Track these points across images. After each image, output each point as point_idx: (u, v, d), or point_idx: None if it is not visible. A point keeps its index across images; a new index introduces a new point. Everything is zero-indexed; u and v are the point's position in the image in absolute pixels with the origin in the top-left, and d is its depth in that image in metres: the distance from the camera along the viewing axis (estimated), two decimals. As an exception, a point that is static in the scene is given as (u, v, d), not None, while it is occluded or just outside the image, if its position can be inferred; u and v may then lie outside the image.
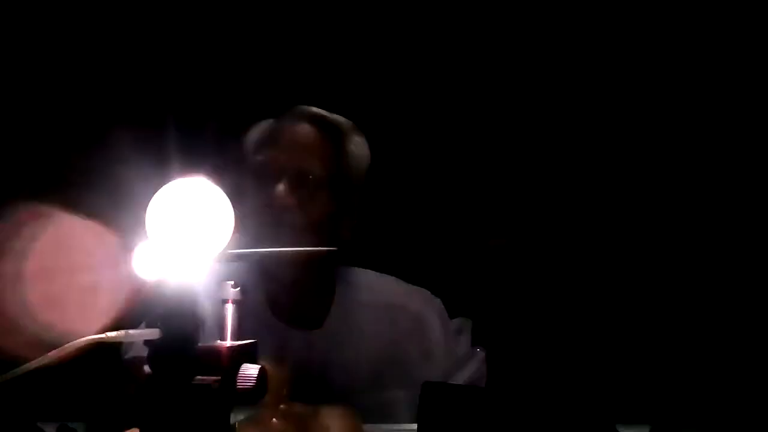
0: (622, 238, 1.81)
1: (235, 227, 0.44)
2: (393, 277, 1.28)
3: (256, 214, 1.09)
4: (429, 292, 1.28)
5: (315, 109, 1.17)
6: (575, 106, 1.81)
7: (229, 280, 0.47)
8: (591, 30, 1.77)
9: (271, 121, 1.18)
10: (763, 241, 1.72)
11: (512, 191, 1.82)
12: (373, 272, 1.27)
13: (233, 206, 0.44)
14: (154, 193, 0.41)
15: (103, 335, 0.43)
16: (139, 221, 0.40)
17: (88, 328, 0.45)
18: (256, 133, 1.17)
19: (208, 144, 1.27)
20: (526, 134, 1.82)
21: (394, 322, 1.22)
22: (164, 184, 0.41)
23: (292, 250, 1.09)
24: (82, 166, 1.45)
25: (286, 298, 1.16)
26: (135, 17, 1.58)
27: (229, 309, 0.46)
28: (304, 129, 1.14)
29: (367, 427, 0.85)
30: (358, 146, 1.18)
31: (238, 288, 0.46)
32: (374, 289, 1.24)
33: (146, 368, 0.41)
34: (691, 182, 1.79)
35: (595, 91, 1.80)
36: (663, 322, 1.74)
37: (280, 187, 1.08)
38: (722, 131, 1.77)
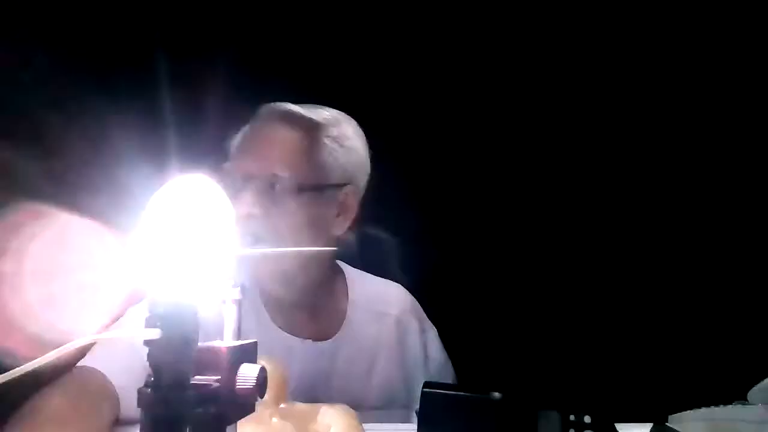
0: (617, 237, 1.81)
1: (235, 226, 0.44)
2: (402, 288, 1.24)
3: None
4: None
5: (288, 106, 1.09)
6: (573, 108, 1.81)
7: (229, 280, 0.47)
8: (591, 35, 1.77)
9: (248, 125, 1.11)
10: (760, 241, 1.72)
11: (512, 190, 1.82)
12: (384, 280, 1.24)
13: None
14: (153, 192, 0.41)
15: (103, 335, 0.43)
16: (138, 220, 0.40)
17: (88, 328, 0.45)
18: (236, 138, 1.11)
19: (209, 142, 1.27)
20: (529, 135, 1.82)
21: (403, 339, 1.18)
22: (164, 182, 0.41)
23: (291, 250, 1.06)
24: (82, 165, 1.45)
25: (296, 309, 1.12)
26: (134, 8, 1.57)
27: (229, 309, 0.46)
28: (273, 130, 1.06)
29: (366, 426, 0.85)
30: (344, 140, 1.09)
31: (238, 287, 0.46)
32: (386, 300, 1.19)
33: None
34: (686, 183, 1.79)
35: (593, 92, 1.80)
36: (663, 322, 1.74)
37: (244, 196, 1.01)
38: (722, 131, 1.77)
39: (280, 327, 1.10)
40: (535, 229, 1.82)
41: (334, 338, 1.13)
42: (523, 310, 1.77)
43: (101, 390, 0.89)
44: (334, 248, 1.10)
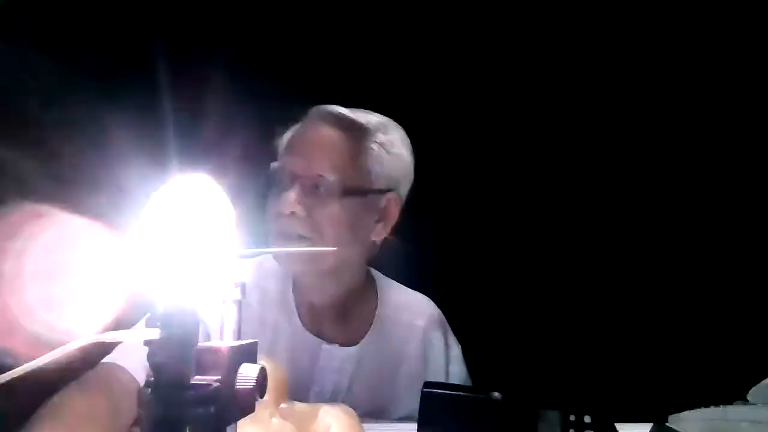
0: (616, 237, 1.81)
1: (235, 226, 0.44)
2: (430, 301, 1.24)
3: (271, 222, 1.06)
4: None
5: (337, 109, 1.09)
6: (571, 108, 1.81)
7: (229, 279, 0.47)
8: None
9: (298, 124, 1.12)
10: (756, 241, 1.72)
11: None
12: (413, 292, 1.24)
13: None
14: (154, 191, 0.41)
15: (103, 335, 0.43)
16: (138, 220, 0.40)
17: (88, 328, 0.45)
18: (284, 138, 1.12)
19: (209, 141, 1.27)
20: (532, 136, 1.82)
21: (428, 351, 1.19)
22: (164, 181, 0.41)
23: (293, 250, 1.06)
24: (82, 164, 1.45)
25: (326, 312, 1.12)
26: (134, 7, 1.57)
27: (229, 309, 0.46)
28: (321, 132, 1.06)
29: (366, 426, 0.85)
30: (391, 147, 1.09)
31: (238, 287, 0.46)
32: (415, 311, 1.20)
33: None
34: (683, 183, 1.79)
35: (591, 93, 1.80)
36: (662, 322, 1.74)
37: (289, 195, 1.02)
38: (722, 131, 1.77)
39: (308, 329, 1.11)
40: (536, 231, 1.83)
41: (360, 344, 1.13)
42: (524, 311, 1.78)
43: (124, 387, 0.89)
44: (334, 249, 1.09)
